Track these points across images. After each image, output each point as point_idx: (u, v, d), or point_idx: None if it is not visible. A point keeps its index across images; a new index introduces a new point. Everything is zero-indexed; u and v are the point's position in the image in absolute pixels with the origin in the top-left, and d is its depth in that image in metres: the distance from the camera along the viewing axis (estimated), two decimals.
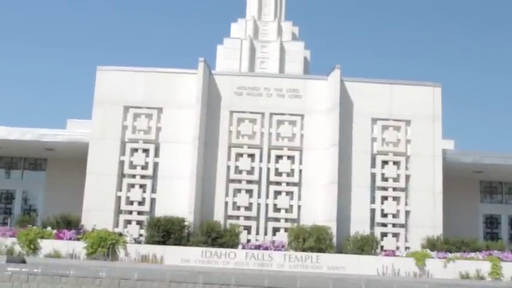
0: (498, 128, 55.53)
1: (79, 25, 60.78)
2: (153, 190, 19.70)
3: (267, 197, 19.69)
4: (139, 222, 19.30)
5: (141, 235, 18.88)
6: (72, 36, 60.50)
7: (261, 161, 19.92)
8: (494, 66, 58.17)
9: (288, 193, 19.73)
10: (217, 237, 17.87)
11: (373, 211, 19.58)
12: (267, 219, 19.60)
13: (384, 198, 19.70)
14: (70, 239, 17.72)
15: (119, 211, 19.58)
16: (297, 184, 19.83)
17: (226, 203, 19.65)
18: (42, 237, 17.59)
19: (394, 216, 19.55)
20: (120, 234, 18.10)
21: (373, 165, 19.86)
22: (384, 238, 19.28)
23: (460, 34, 61.08)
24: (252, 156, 19.96)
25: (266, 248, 17.81)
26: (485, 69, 58.55)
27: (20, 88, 57.38)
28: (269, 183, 19.79)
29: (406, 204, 19.62)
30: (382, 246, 18.96)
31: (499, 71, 57.97)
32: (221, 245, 17.63)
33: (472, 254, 17.85)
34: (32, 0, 60.64)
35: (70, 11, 61.32)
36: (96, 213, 19.14)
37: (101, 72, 20.39)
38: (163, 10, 63.84)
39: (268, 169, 19.86)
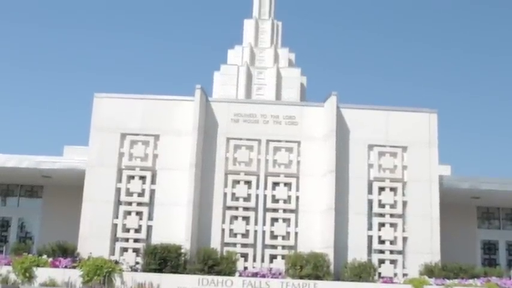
0: (495, 152, 55.63)
1: (76, 52, 61.12)
2: (150, 217, 19.63)
3: (264, 224, 19.64)
4: (135, 250, 19.19)
5: (137, 263, 18.75)
6: (69, 63, 60.77)
7: (257, 187, 19.89)
8: (490, 91, 58.52)
9: (285, 220, 19.68)
10: (214, 264, 17.76)
11: (370, 238, 19.52)
12: (264, 246, 19.51)
13: (381, 224, 19.65)
14: (66, 267, 17.57)
15: (115, 239, 19.49)
16: (294, 211, 19.79)
17: (223, 230, 19.58)
18: (38, 266, 17.42)
19: (391, 242, 19.49)
20: (117, 262, 18.00)
21: (370, 191, 19.85)
22: (382, 265, 19.18)
23: (456, 59, 61.53)
24: (248, 183, 19.94)
25: (263, 276, 17.70)
26: (481, 94, 58.86)
27: (17, 115, 57.44)
28: (266, 210, 19.75)
29: (403, 230, 19.58)
30: (379, 273, 18.87)
31: (495, 95, 58.30)
32: (218, 273, 17.52)
33: (470, 281, 17.74)
34: (28, 26, 61.00)
35: (67, 37, 61.69)
36: (93, 241, 19.04)
37: (98, 99, 20.46)
38: (161, 37, 64.26)
39: (265, 196, 19.83)
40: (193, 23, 64.21)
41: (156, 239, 18.83)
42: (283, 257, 19.09)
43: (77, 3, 62.76)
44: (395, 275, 19.00)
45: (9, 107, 57.47)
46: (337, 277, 18.22)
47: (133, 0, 64.90)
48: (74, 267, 17.44)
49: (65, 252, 18.58)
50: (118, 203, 19.75)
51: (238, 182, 19.99)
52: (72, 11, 62.27)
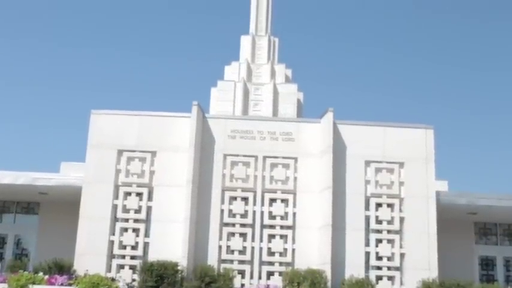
0: (493, 167, 55.69)
1: (73, 68, 61.22)
2: (147, 234, 19.55)
3: (261, 240, 19.56)
4: (132, 267, 19.09)
5: (134, 280, 18.64)
6: (65, 79, 60.87)
7: (254, 204, 19.84)
8: (487, 105, 58.69)
9: (282, 236, 19.63)
10: (211, 281, 17.67)
11: (367, 254, 19.44)
12: (261, 263, 19.43)
13: (379, 241, 19.59)
14: (62, 284, 17.45)
15: (111, 256, 19.39)
16: (291, 227, 19.73)
17: (220, 247, 19.51)
18: (34, 283, 17.29)
19: (389, 259, 19.43)
20: (113, 279, 17.88)
21: (367, 207, 19.81)
22: (379, 281, 19.08)
23: (452, 75, 61.76)
24: (245, 199, 19.90)
25: None
26: (478, 109, 59.07)
27: (13, 131, 57.41)
28: (263, 226, 19.69)
29: (400, 246, 19.52)
30: None
31: (491, 110, 58.47)
32: None
33: None
34: (24, 42, 61.12)
35: (64, 54, 61.85)
36: (89, 258, 18.95)
37: (95, 116, 20.45)
38: (157, 53, 64.42)
39: (262, 212, 19.77)
40: (190, 39, 64.51)
41: (153, 256, 18.73)
42: (280, 273, 18.99)
43: (73, 19, 63.00)
44: None
45: (5, 123, 57.48)
46: None
47: (129, 17, 65.22)
48: (70, 285, 17.33)
49: (61, 269, 18.46)
50: (115, 219, 19.67)
51: (235, 198, 19.95)
52: (69, 28, 62.50)
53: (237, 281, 18.64)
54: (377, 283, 18.96)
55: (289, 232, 19.68)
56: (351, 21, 64.68)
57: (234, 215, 19.81)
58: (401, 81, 62.60)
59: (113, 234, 19.50)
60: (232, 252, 19.50)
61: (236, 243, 19.52)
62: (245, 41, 27.09)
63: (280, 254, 19.50)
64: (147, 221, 19.68)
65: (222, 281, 17.76)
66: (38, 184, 21.46)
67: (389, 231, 19.69)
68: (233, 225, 19.75)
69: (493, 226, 24.96)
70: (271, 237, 19.64)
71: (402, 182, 20.00)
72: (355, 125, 20.53)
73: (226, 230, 19.66)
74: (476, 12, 62.75)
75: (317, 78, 57.11)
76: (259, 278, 19.21)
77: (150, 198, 19.83)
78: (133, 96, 58.72)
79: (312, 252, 19.31)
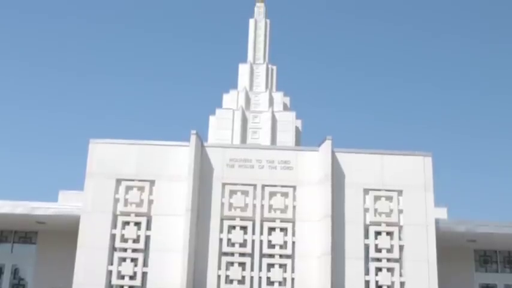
0: (492, 194, 55.65)
1: (71, 96, 61.43)
2: (145, 264, 19.42)
3: (260, 270, 19.42)
4: None
5: None
6: (64, 107, 61.02)
7: (253, 233, 19.74)
8: (486, 132, 58.85)
9: (281, 266, 19.49)
10: None
11: (367, 283, 19.31)
12: None
13: (378, 269, 19.47)
14: None
15: (110, 286, 19.22)
16: (290, 256, 19.62)
17: (218, 277, 19.37)
18: None
19: None
20: None
21: (366, 236, 19.73)
22: None
23: (451, 100, 62.01)
24: (244, 228, 19.80)
25: None
26: (477, 135, 59.21)
27: (11, 159, 57.36)
28: (262, 255, 19.56)
29: (400, 275, 19.40)
30: None
31: (491, 136, 58.59)
32: None
33: None
34: (22, 69, 61.41)
35: (61, 81, 62.10)
36: None
37: (93, 145, 20.46)
38: (155, 82, 64.73)
39: (261, 241, 19.66)
40: (188, 68, 64.95)
41: (152, 286, 18.64)
42: None
43: (72, 48, 63.36)
44: None
45: (3, 152, 57.47)
46: None
47: (128, 45, 65.62)
48: None
49: None
50: (113, 249, 19.55)
51: (234, 227, 19.86)
52: (66, 56, 62.82)
53: None
54: None
55: (288, 261, 19.56)
56: (349, 48, 65.19)
57: (232, 244, 19.69)
58: (400, 108, 62.95)
59: (111, 264, 19.36)
60: (232, 281, 19.35)
61: (235, 272, 19.38)
62: (243, 69, 27.31)
63: (280, 284, 19.34)
64: (146, 250, 19.57)
65: None
66: (36, 213, 21.34)
67: (388, 260, 19.59)
68: (232, 254, 19.63)
69: (493, 253, 24.81)
70: (270, 266, 19.51)
71: (401, 209, 19.95)
72: (353, 153, 20.53)
73: (225, 259, 19.54)
74: (474, 35, 63.25)
75: (315, 105, 57.38)
76: None
77: (148, 228, 19.74)
78: (131, 124, 58.97)
79: (311, 282, 19.19)
